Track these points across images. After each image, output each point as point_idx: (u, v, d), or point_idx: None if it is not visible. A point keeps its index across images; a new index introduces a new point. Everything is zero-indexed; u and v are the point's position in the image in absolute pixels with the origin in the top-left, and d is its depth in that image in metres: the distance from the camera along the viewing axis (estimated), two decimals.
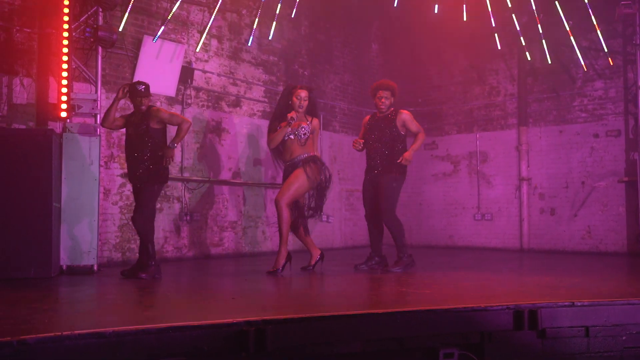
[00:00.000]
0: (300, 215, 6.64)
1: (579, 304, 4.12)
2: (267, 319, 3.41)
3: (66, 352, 2.94)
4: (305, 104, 6.62)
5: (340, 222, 11.08)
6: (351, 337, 3.65)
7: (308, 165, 6.46)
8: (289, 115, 6.45)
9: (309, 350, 3.53)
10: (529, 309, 3.98)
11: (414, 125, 6.92)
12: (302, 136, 6.53)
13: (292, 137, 6.54)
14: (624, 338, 4.17)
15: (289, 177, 6.49)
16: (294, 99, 6.59)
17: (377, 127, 6.92)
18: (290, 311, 3.84)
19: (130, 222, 6.63)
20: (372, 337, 3.70)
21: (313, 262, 6.65)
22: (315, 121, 6.67)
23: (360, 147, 6.90)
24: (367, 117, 7.21)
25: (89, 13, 7.01)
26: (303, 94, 6.62)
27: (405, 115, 6.90)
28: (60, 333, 2.98)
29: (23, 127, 6.78)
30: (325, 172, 6.62)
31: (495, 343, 3.96)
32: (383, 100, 6.91)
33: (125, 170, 6.54)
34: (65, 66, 6.64)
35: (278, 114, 6.73)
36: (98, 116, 6.92)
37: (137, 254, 6.36)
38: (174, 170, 8.45)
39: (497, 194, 10.87)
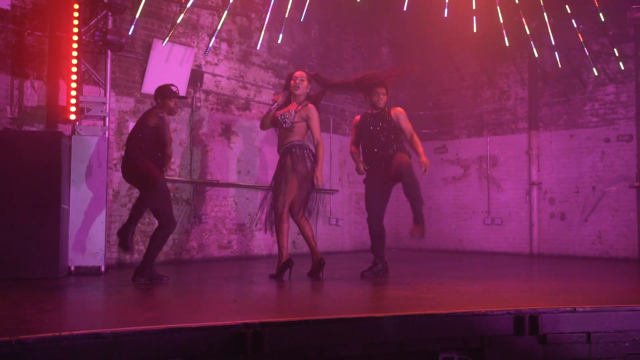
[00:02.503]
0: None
1: (580, 309, 4.08)
2: (265, 322, 3.42)
3: (64, 353, 2.97)
4: (302, 84, 6.40)
5: (349, 226, 11.08)
6: (350, 340, 3.65)
7: (290, 154, 6.21)
8: (273, 98, 6.47)
9: (307, 353, 3.54)
10: (530, 314, 3.95)
11: (406, 124, 6.65)
12: (287, 121, 6.26)
13: (284, 125, 6.29)
14: (626, 344, 4.13)
15: (278, 180, 6.26)
16: (292, 81, 6.43)
17: (373, 123, 6.66)
18: (290, 314, 3.84)
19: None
20: (371, 340, 3.70)
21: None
22: (310, 107, 6.36)
23: (363, 172, 6.71)
24: (358, 118, 6.91)
25: (99, 17, 7.07)
26: (299, 73, 6.46)
27: (400, 111, 6.68)
28: (58, 333, 3.00)
29: (33, 129, 6.87)
30: (306, 161, 6.23)
31: (495, 348, 3.94)
32: (381, 96, 6.69)
33: None
34: (74, 69, 6.70)
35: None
36: (107, 119, 7.00)
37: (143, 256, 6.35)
38: (183, 173, 8.51)
39: (507, 198, 10.82)
